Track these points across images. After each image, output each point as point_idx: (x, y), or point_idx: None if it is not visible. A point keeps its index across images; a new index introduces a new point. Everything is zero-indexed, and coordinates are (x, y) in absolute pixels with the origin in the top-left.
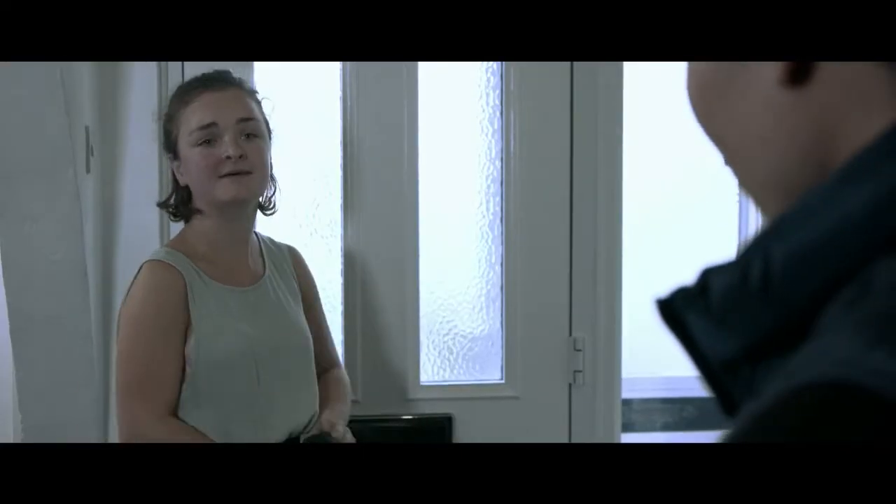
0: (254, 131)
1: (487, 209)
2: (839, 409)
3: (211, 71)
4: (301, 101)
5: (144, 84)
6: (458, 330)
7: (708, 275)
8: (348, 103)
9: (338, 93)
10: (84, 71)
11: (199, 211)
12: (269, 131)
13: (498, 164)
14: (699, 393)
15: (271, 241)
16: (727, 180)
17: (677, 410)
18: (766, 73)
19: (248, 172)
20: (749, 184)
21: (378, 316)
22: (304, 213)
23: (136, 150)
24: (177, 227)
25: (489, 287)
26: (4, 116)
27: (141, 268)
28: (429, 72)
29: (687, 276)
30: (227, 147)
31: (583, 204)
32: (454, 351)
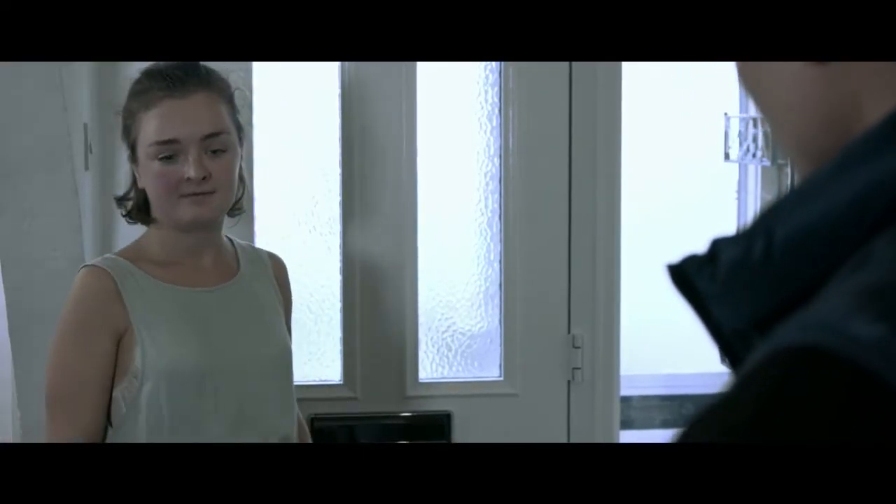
0: (221, 146)
1: (486, 206)
2: (806, 373)
3: (176, 64)
4: (300, 98)
5: None
6: (456, 327)
7: (717, 245)
8: (347, 100)
9: (336, 90)
10: (83, 69)
11: (155, 220)
12: (241, 130)
13: (496, 161)
14: (699, 390)
15: (250, 246)
16: (725, 175)
17: (676, 407)
18: None
19: (210, 192)
20: (783, 145)
21: (377, 313)
22: (303, 210)
23: None
24: None
25: (488, 284)
26: (3, 114)
27: None
28: (428, 69)
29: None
30: (189, 167)
31: (581, 201)
32: (453, 348)
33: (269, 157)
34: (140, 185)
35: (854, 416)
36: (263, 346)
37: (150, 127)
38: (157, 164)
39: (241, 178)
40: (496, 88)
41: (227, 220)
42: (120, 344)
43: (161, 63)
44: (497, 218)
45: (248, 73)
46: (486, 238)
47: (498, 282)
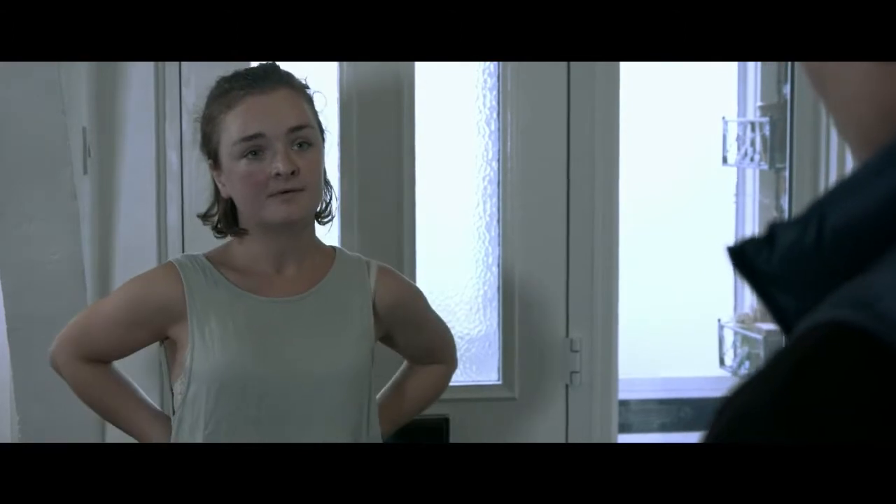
0: (307, 139)
1: (484, 210)
2: (831, 349)
3: (255, 66)
4: None
5: (142, 85)
6: (455, 331)
7: (775, 228)
8: (345, 105)
9: (335, 94)
10: (82, 71)
11: (245, 231)
12: (322, 132)
13: (495, 165)
14: (696, 394)
15: (359, 259)
16: (723, 179)
17: (674, 411)
18: None
19: (300, 190)
20: (844, 135)
21: None
22: None
23: (133, 151)
24: (174, 226)
25: (486, 288)
26: (2, 117)
27: None
28: (426, 73)
29: (683, 276)
30: (277, 162)
31: (579, 205)
32: None
33: None
34: (224, 193)
35: (875, 392)
36: (326, 362)
37: (234, 126)
38: (243, 164)
39: (328, 181)
40: (494, 92)
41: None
42: (177, 339)
43: (241, 67)
44: (495, 222)
45: None
46: (484, 242)
47: (496, 286)
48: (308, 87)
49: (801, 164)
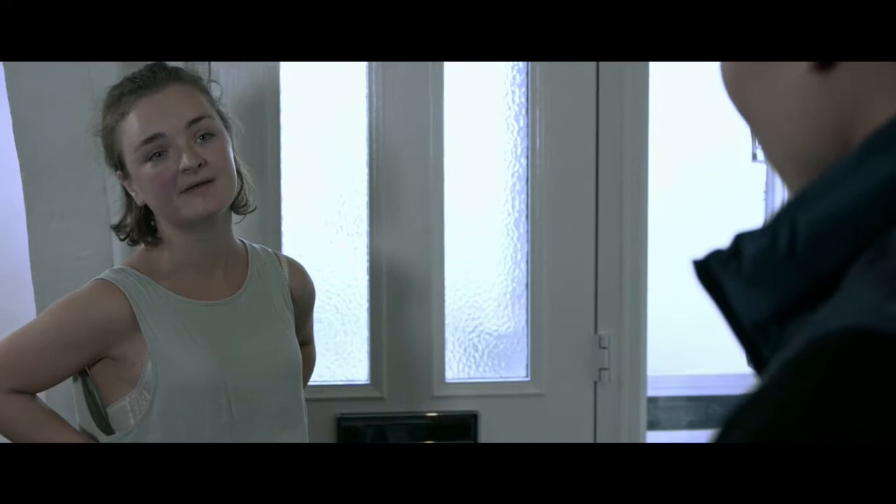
0: (208, 129)
1: (513, 206)
2: (860, 353)
3: (142, 68)
4: (327, 98)
5: None
6: (483, 327)
7: (740, 240)
8: (374, 100)
9: (364, 90)
10: (112, 69)
11: (159, 239)
12: (226, 120)
13: (523, 161)
14: (725, 391)
15: (265, 250)
16: (752, 175)
17: (703, 408)
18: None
19: (211, 180)
20: (776, 158)
21: (403, 313)
22: (330, 210)
23: None
24: None
25: (514, 284)
26: (33, 114)
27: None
28: (455, 69)
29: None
30: (182, 158)
31: (608, 201)
32: (479, 348)
33: (296, 157)
34: (139, 201)
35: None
36: (273, 358)
37: (132, 130)
38: (148, 167)
39: (240, 171)
40: (523, 89)
41: (254, 223)
42: (122, 356)
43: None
44: (524, 218)
45: (276, 72)
46: (512, 238)
47: (525, 282)
48: (201, 79)
49: None
